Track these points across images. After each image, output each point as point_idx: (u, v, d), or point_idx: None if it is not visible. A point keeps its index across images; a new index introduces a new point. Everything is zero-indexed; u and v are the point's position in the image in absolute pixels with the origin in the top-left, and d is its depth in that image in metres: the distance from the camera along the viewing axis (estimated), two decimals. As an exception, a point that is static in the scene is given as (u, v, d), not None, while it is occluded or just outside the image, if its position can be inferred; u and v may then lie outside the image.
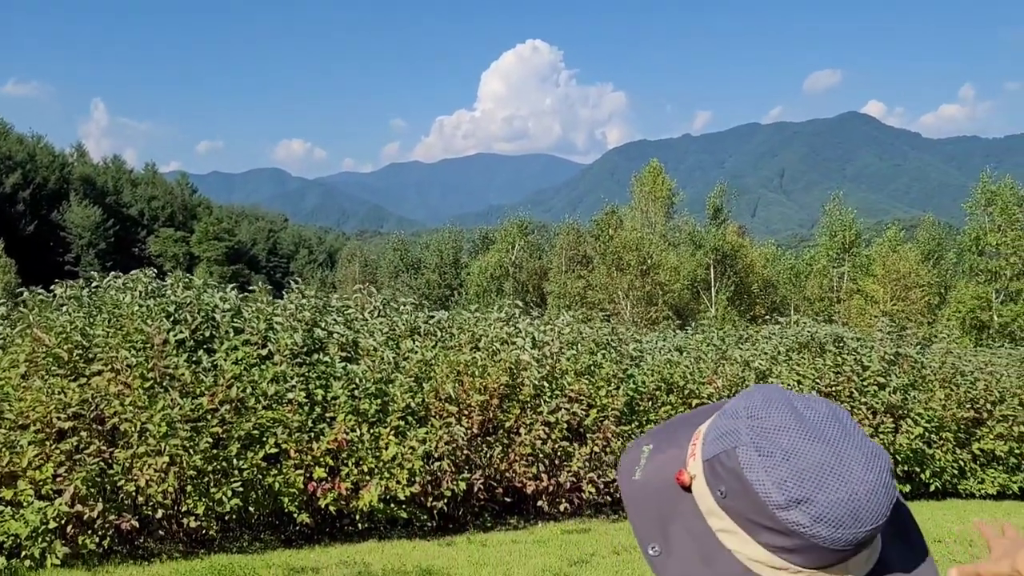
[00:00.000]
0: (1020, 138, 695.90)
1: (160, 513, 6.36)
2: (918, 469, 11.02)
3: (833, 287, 45.63)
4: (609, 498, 8.99)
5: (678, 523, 0.97)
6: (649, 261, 41.98)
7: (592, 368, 9.34)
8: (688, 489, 0.97)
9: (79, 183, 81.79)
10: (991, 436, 11.52)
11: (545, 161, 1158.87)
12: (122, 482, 6.21)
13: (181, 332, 7.21)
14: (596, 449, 8.72)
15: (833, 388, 10.53)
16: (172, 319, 7.44)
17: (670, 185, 50.53)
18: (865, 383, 10.84)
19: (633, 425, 9.16)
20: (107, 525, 6.10)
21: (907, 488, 10.95)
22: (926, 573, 1.01)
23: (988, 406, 11.67)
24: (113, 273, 7.96)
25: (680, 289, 44.75)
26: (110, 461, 6.30)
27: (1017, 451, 11.57)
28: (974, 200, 41.84)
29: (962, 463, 11.40)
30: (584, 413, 8.80)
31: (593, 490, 8.65)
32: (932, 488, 11.17)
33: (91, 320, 7.05)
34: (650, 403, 9.47)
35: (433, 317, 9.84)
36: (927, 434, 10.97)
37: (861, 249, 46.54)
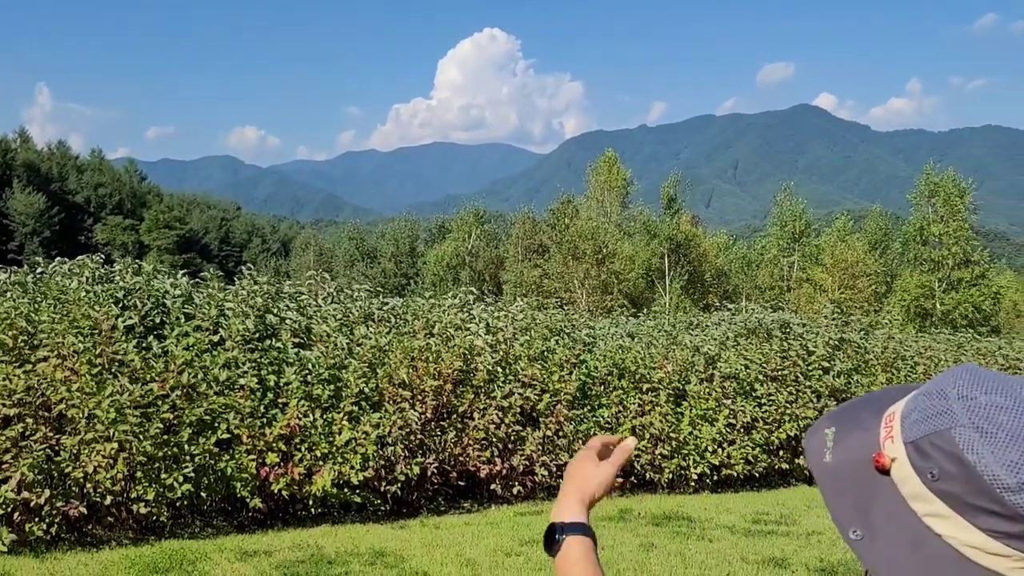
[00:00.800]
0: (964, 132, 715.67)
1: (109, 500, 6.31)
2: (861, 450, 11.38)
3: (783, 276, 46.60)
4: (561, 481, 9.13)
5: (878, 507, 0.93)
6: (604, 250, 42.37)
7: (545, 353, 9.46)
8: (886, 472, 0.94)
9: (22, 169, 79.41)
10: (930, 418, 11.95)
11: (502, 151, 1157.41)
12: (70, 469, 6.15)
13: (130, 318, 7.14)
14: (549, 433, 8.85)
15: (779, 372, 10.80)
16: (121, 305, 7.36)
17: (625, 175, 50.97)
18: (810, 367, 11.13)
19: (585, 409, 9.31)
20: (55, 512, 6.04)
21: (850, 469, 11.30)
22: None
23: (926, 390, 12.09)
24: (59, 259, 7.83)
25: (635, 278, 45.26)
26: (57, 448, 6.22)
27: (953, 431, 12.03)
28: (918, 191, 43.07)
29: (902, 444, 11.81)
30: (537, 398, 8.92)
31: (546, 473, 8.78)
32: (874, 469, 11.55)
33: (36, 306, 6.94)
34: (602, 388, 9.62)
35: (387, 304, 9.88)
36: (869, 416, 11.33)
37: (811, 239, 47.58)
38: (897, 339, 13.31)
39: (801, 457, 10.74)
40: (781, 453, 10.60)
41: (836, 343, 11.90)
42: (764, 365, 10.79)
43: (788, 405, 10.57)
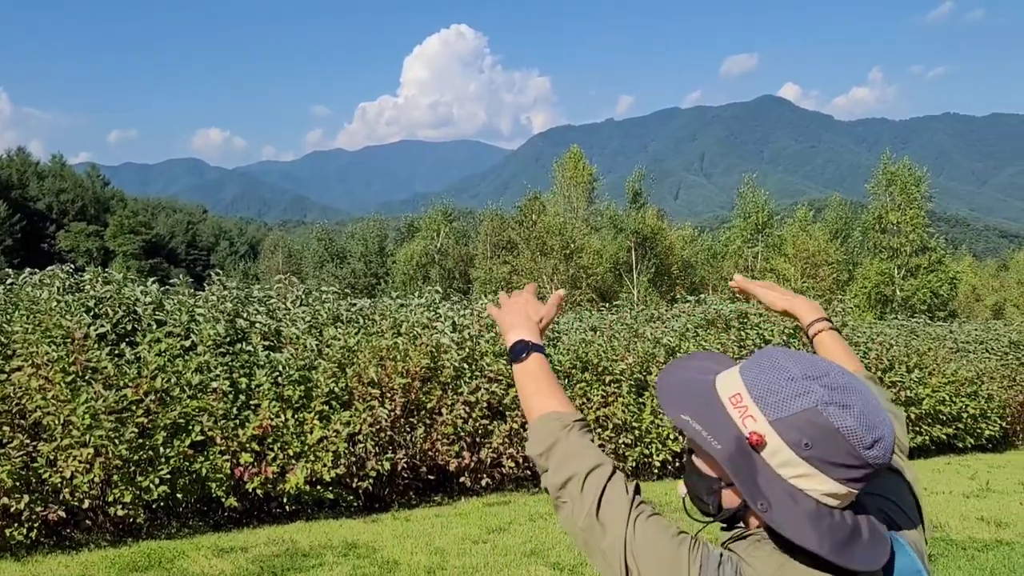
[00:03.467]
0: (924, 120, 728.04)
1: (87, 503, 6.50)
2: (817, 434, 11.82)
3: (748, 266, 47.34)
4: (528, 471, 9.43)
5: (762, 478, 1.16)
6: (572, 245, 42.79)
7: (510, 349, 9.75)
8: (758, 448, 1.16)
9: (-19, 177, 78.13)
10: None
11: (470, 147, 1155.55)
12: (47, 474, 6.33)
13: (102, 326, 7.32)
14: (515, 426, 9.14)
15: (737, 361, 11.20)
16: (92, 314, 7.52)
17: (591, 170, 51.43)
18: (767, 356, 11.55)
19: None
20: (34, 517, 6.22)
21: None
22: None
23: (879, 373, 12.55)
24: (29, 270, 7.97)
25: (603, 272, 45.74)
26: (34, 455, 6.40)
27: (904, 414, 12.51)
28: (876, 181, 44.01)
29: (856, 427, 12.27)
30: (503, 392, 9.22)
31: (513, 464, 9.08)
32: (830, 452, 12.00)
33: (8, 317, 7.09)
34: (566, 380, 9.94)
35: (355, 305, 10.10)
36: (824, 401, 11.77)
37: (774, 229, 48.41)
38: (850, 326, 13.79)
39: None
40: (740, 439, 11.01)
41: (792, 331, 12.33)
42: (722, 355, 11.18)
43: (746, 393, 10.97)
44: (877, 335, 13.48)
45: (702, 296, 13.37)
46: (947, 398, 12.81)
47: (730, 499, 1.24)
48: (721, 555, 1.23)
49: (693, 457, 1.30)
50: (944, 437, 12.90)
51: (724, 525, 1.30)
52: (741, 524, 1.28)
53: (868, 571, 1.16)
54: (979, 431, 13.44)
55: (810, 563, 1.16)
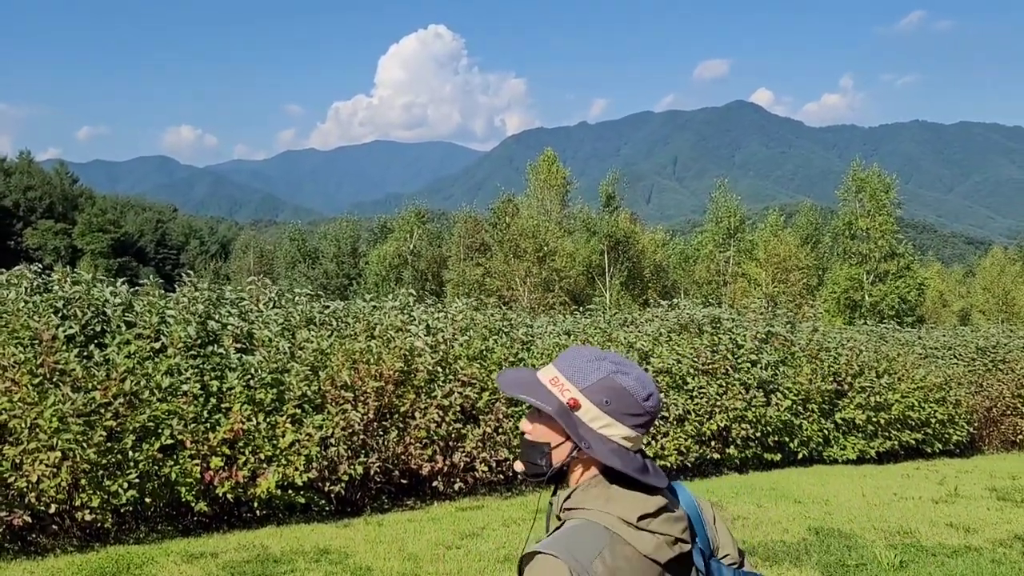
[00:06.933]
0: (893, 127, 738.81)
1: (54, 508, 6.39)
2: (787, 439, 11.92)
3: (720, 271, 47.75)
4: (502, 476, 9.43)
5: (582, 429, 1.62)
6: (545, 248, 42.83)
7: (484, 353, 9.75)
8: (575, 409, 1.63)
9: (-56, 173, 76.54)
10: (852, 406, 12.56)
11: (444, 148, 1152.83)
12: (12, 478, 6.22)
13: (71, 327, 7.20)
14: (489, 430, 9.14)
15: (710, 366, 11.29)
16: (60, 315, 7.40)
17: (564, 173, 51.55)
18: (739, 360, 11.65)
19: (524, 406, 9.61)
20: (-2, 522, 6.11)
21: (778, 457, 11.84)
22: None
23: (849, 379, 12.71)
24: (-5, 270, 7.82)
25: (576, 275, 45.85)
26: (-1, 458, 6.28)
27: (874, 419, 12.66)
28: (846, 187, 44.61)
29: (826, 432, 12.39)
30: (477, 396, 9.21)
31: (486, 469, 9.07)
32: (800, 456, 12.10)
33: (-26, 318, 6.95)
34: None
35: (329, 307, 10.03)
36: (795, 406, 11.87)
37: (745, 234, 48.86)
38: (821, 331, 13.95)
39: (732, 447, 11.26)
40: (712, 443, 11.09)
41: (764, 336, 12.46)
42: (695, 359, 11.26)
43: (718, 397, 11.06)
44: (847, 340, 13.64)
45: (675, 300, 13.45)
46: (916, 404, 12.99)
47: (558, 456, 1.66)
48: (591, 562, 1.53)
49: (526, 436, 1.71)
50: (913, 442, 13.08)
51: (553, 486, 1.73)
52: (565, 485, 1.69)
53: (660, 487, 1.63)
54: (947, 436, 13.65)
55: (625, 486, 1.61)
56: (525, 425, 1.72)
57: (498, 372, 2.06)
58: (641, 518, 1.58)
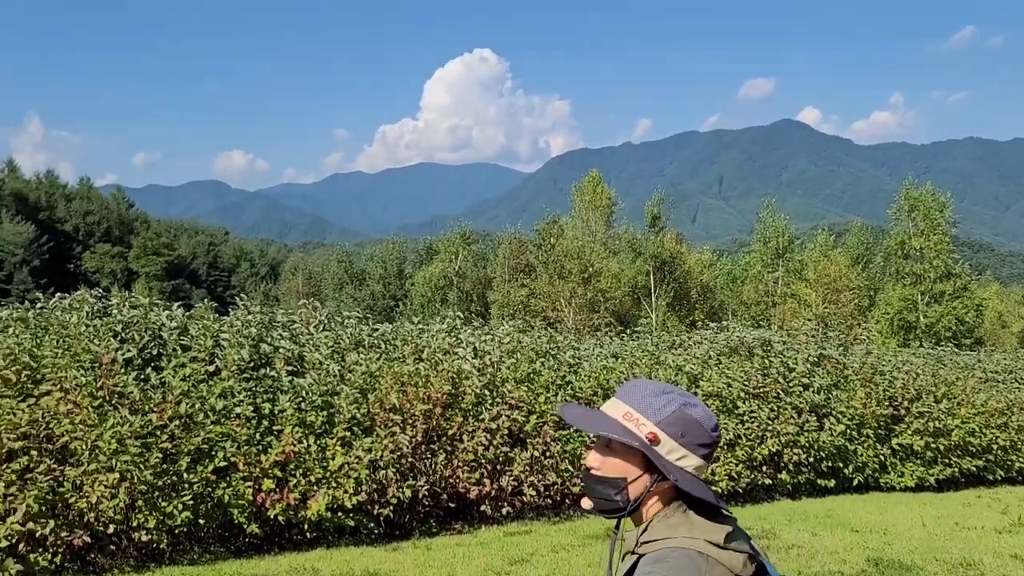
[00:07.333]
0: (945, 144, 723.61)
1: (112, 528, 6.52)
2: (841, 465, 11.63)
3: (768, 291, 47.05)
4: (550, 501, 9.37)
5: (664, 462, 1.68)
6: (590, 269, 42.72)
7: (531, 375, 9.73)
8: (654, 443, 1.68)
9: (11, 199, 79.40)
10: (909, 432, 12.22)
11: (489, 170, 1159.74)
12: (73, 499, 6.36)
13: (129, 351, 7.38)
14: (536, 453, 9.09)
15: (760, 389, 11.10)
16: (119, 338, 7.59)
17: (609, 194, 51.45)
18: (790, 384, 11.43)
19: (571, 429, 9.56)
20: (59, 542, 6.25)
21: (832, 483, 11.55)
22: None
23: (906, 403, 12.38)
24: (59, 294, 8.06)
25: (621, 296, 45.61)
26: (61, 479, 6.43)
27: (933, 445, 12.30)
28: (898, 206, 43.68)
29: (882, 458, 12.07)
30: (524, 419, 9.18)
31: (534, 493, 9.01)
32: (855, 483, 11.80)
33: (39, 341, 7.16)
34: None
35: (377, 330, 10.12)
36: (849, 431, 11.59)
37: (794, 254, 48.11)
38: (875, 354, 13.63)
39: (784, 472, 11.02)
40: (764, 468, 10.87)
41: (816, 359, 12.21)
42: (746, 383, 11.09)
43: (770, 421, 10.86)
44: (903, 363, 13.31)
45: (723, 322, 13.28)
46: (977, 429, 12.59)
47: (635, 490, 1.71)
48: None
49: (595, 472, 1.74)
50: (974, 469, 12.67)
51: (619, 519, 1.76)
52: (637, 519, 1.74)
53: (728, 514, 1.71)
54: (1009, 463, 13.19)
55: (699, 513, 1.68)
56: (593, 461, 1.76)
57: (561, 406, 1.91)
58: (727, 539, 1.67)
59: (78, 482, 6.40)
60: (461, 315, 11.02)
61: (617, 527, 1.77)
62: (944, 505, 10.66)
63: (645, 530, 1.70)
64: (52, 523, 6.17)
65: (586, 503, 1.77)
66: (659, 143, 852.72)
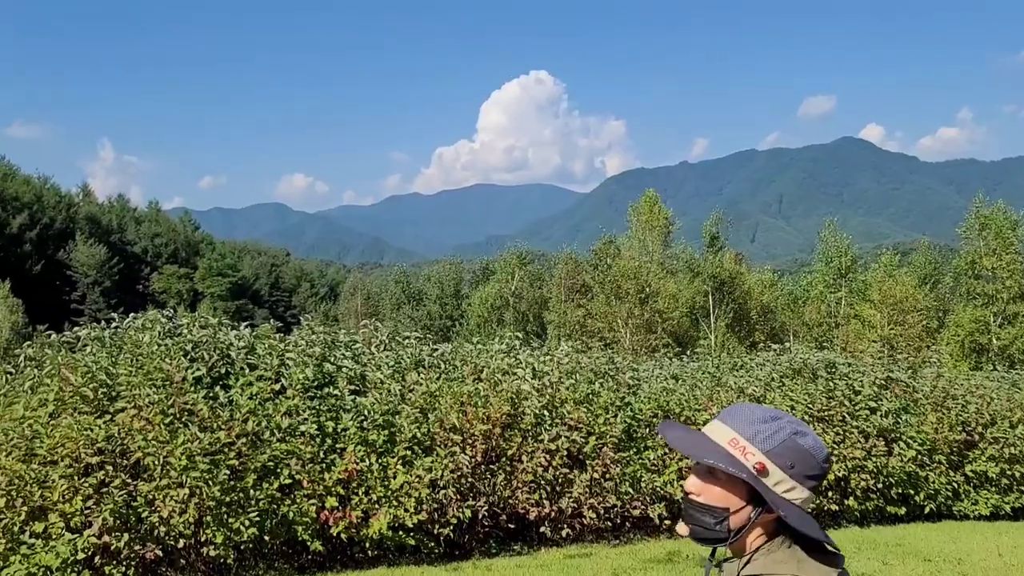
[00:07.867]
0: (1017, 161, 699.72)
1: (182, 543, 6.69)
2: (912, 492, 11.26)
3: (831, 312, 45.99)
4: (610, 523, 9.28)
5: (771, 494, 1.58)
6: (647, 289, 42.40)
7: (590, 397, 9.68)
8: (762, 474, 1.59)
9: (85, 222, 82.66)
10: (983, 458, 11.78)
11: (544, 190, 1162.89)
12: (146, 513, 6.55)
13: (199, 369, 7.59)
14: (596, 475, 9.03)
15: (825, 413, 10.84)
16: (189, 357, 7.82)
17: (667, 214, 51.07)
18: (857, 407, 11.13)
19: (631, 451, 9.48)
20: (132, 555, 6.44)
21: (902, 510, 11.19)
22: None
23: (980, 428, 11.95)
24: (133, 315, 8.35)
25: (679, 316, 45.10)
26: (134, 494, 6.64)
27: (1008, 472, 11.84)
28: (968, 225, 42.34)
29: (955, 485, 11.65)
30: (583, 440, 9.13)
31: (594, 515, 8.94)
32: (927, 510, 11.42)
33: (114, 360, 7.43)
34: (647, 430, 9.79)
35: (437, 350, 10.21)
36: (920, 457, 11.23)
37: (858, 274, 46.97)
38: (947, 378, 13.20)
39: (851, 498, 10.73)
40: (830, 494, 10.60)
41: (883, 382, 11.88)
42: (810, 406, 10.85)
43: (835, 446, 10.59)
44: (976, 387, 12.85)
45: (786, 344, 13.03)
46: (1054, 456, 12.08)
47: (737, 521, 1.61)
48: None
49: (695, 499, 1.64)
50: (1051, 497, 12.15)
51: (716, 549, 1.67)
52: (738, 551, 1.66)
53: (835, 550, 1.61)
54: (1089, 491, 12.60)
55: (811, 551, 1.59)
56: (693, 486, 1.66)
57: (660, 425, 1.88)
58: None
59: (150, 497, 6.59)
60: (520, 336, 11.04)
61: (712, 554, 1.70)
62: (1020, 534, 10.23)
63: (747, 562, 1.62)
64: (126, 536, 6.36)
65: (682, 528, 1.68)
66: (717, 162, 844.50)
